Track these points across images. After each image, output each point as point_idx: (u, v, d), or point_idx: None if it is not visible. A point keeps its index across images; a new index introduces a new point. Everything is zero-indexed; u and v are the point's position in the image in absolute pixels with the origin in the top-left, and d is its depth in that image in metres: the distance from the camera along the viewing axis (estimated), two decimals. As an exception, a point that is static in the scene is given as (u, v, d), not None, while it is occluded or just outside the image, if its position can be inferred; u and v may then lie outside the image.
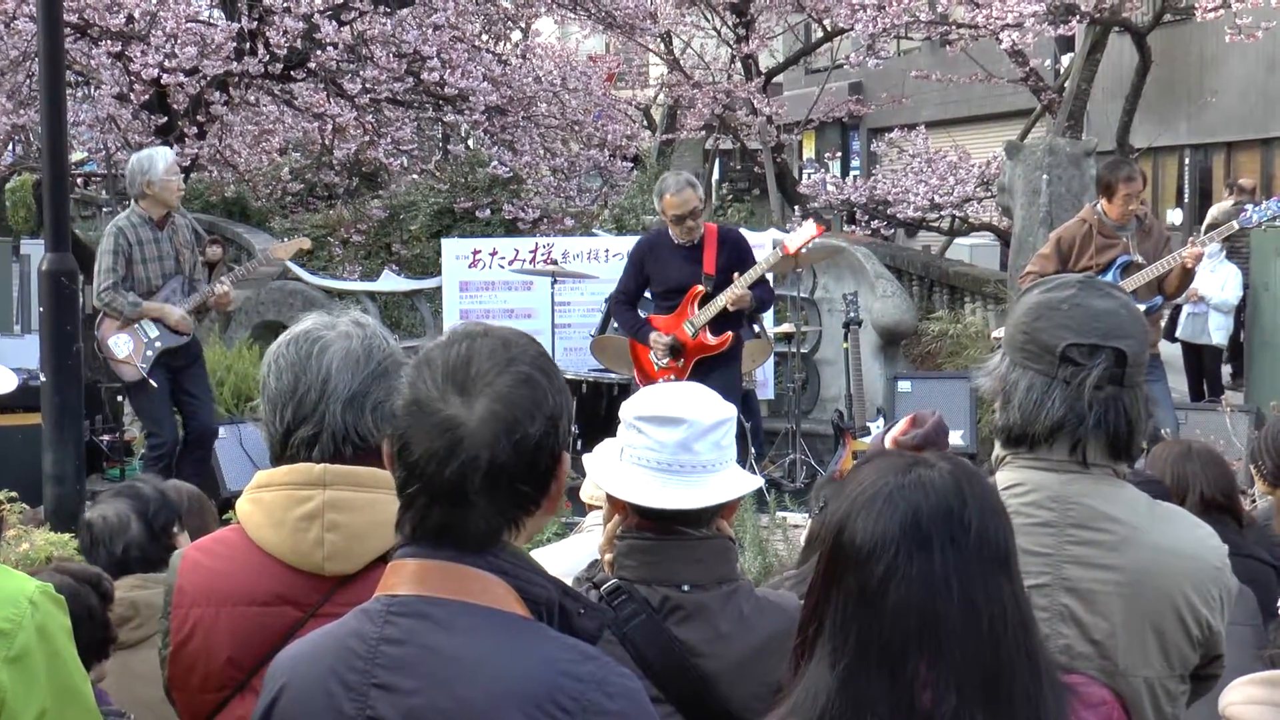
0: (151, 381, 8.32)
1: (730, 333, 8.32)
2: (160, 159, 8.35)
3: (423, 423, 1.96)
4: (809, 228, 8.70)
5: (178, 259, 8.45)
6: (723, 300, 8.10)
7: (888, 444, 3.92)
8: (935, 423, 3.95)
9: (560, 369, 2.09)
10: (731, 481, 2.71)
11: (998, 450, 2.67)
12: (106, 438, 10.02)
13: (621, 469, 2.69)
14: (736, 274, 8.20)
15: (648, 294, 8.59)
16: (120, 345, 8.34)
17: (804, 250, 8.96)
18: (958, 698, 1.92)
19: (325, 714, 1.98)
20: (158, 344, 8.35)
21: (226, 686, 2.51)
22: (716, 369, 8.13)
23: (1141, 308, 2.66)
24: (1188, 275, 8.17)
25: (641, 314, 8.52)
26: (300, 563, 2.49)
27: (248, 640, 2.49)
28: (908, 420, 4.02)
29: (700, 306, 8.20)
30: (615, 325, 9.93)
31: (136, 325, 8.33)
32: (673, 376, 8.17)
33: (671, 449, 2.66)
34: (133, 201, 8.45)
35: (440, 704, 1.91)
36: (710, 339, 8.26)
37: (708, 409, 2.71)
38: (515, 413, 1.94)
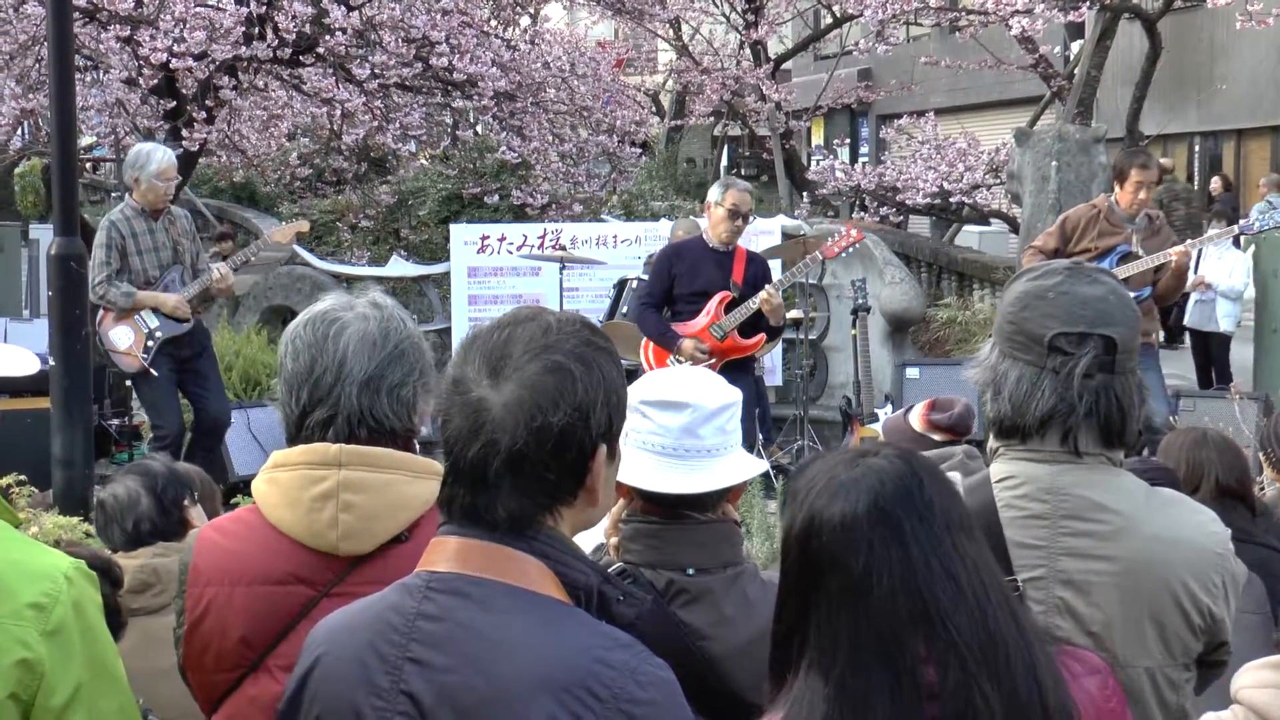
0: (152, 371, 8.29)
1: (762, 334, 8.40)
2: (155, 160, 8.22)
3: (457, 402, 1.97)
4: (849, 232, 8.77)
5: (175, 249, 8.40)
6: (756, 303, 8.14)
7: (917, 425, 3.94)
8: (965, 406, 3.97)
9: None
10: (736, 466, 2.71)
11: (991, 442, 2.64)
12: (115, 422, 10.04)
13: (626, 453, 2.69)
14: (769, 282, 8.32)
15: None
16: (121, 337, 8.30)
17: (843, 255, 9.04)
18: (962, 672, 1.93)
19: (359, 685, 1.98)
20: (159, 334, 8.31)
21: (240, 666, 2.51)
22: (740, 374, 8.17)
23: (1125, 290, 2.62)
24: (1179, 278, 8.14)
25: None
26: (315, 542, 2.49)
27: (261, 619, 2.49)
28: (927, 404, 4.03)
29: (727, 312, 8.25)
30: (624, 310, 9.93)
31: (136, 316, 8.28)
32: None
33: (676, 433, 2.66)
34: (127, 192, 8.42)
35: (472, 683, 1.91)
36: (742, 340, 8.33)
37: (712, 393, 2.70)
38: (538, 399, 1.93)
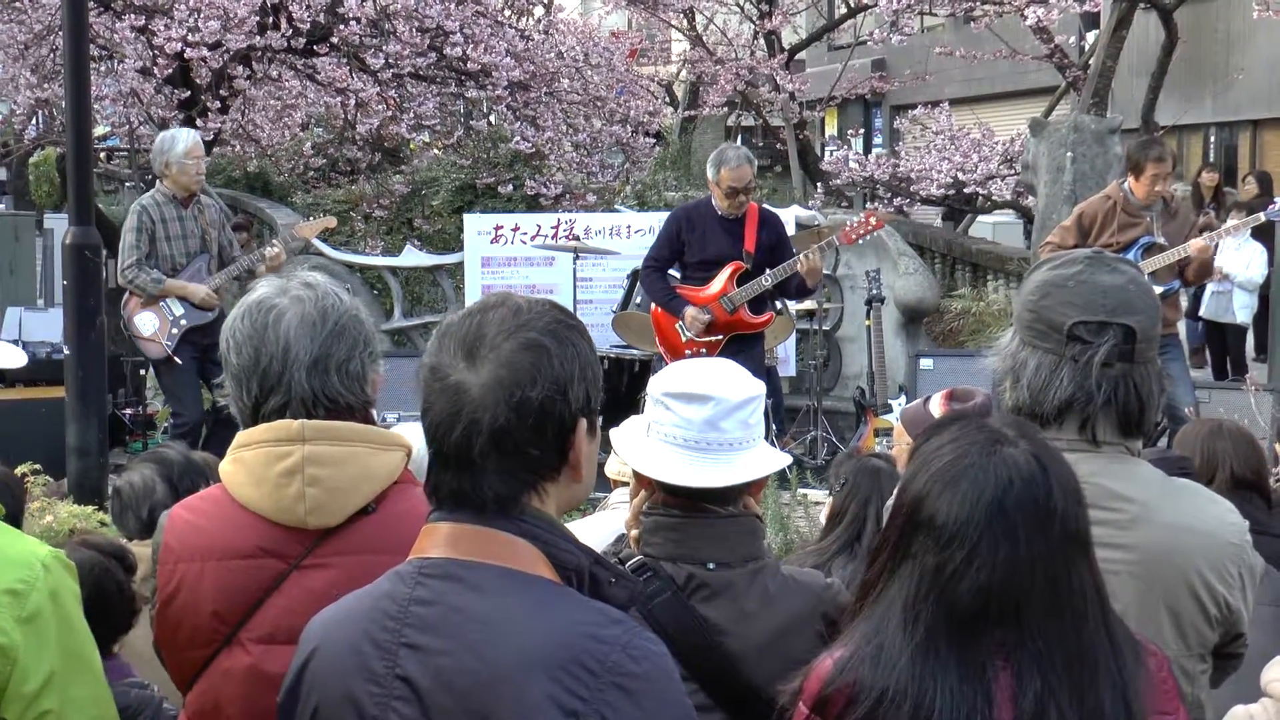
0: (176, 359, 8.33)
1: (771, 313, 8.37)
2: (181, 141, 8.34)
3: (437, 388, 2.00)
4: (868, 219, 8.74)
5: (203, 238, 8.47)
6: (768, 282, 8.11)
7: (938, 414, 3.91)
8: (986, 395, 3.95)
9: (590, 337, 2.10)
10: (759, 459, 2.70)
11: None
12: (129, 411, 10.07)
13: (649, 446, 2.69)
14: (785, 244, 8.33)
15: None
16: (146, 323, 8.35)
17: (861, 242, 9.04)
18: (1042, 683, 1.93)
19: (355, 672, 2.00)
20: (183, 322, 8.36)
21: (213, 641, 2.53)
22: (745, 348, 8.14)
23: (1158, 290, 2.63)
24: (1204, 267, 8.11)
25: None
26: (282, 517, 2.52)
27: (232, 593, 2.52)
28: (946, 393, 4.01)
29: (739, 284, 8.20)
30: (639, 300, 9.91)
31: (162, 303, 8.33)
32: (703, 351, 8.16)
33: (699, 426, 2.65)
34: (157, 180, 8.47)
35: (467, 664, 1.93)
36: (751, 316, 8.28)
37: (736, 386, 2.69)
38: (516, 376, 1.96)
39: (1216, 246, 8.10)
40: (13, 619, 2.16)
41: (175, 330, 8.34)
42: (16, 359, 2.55)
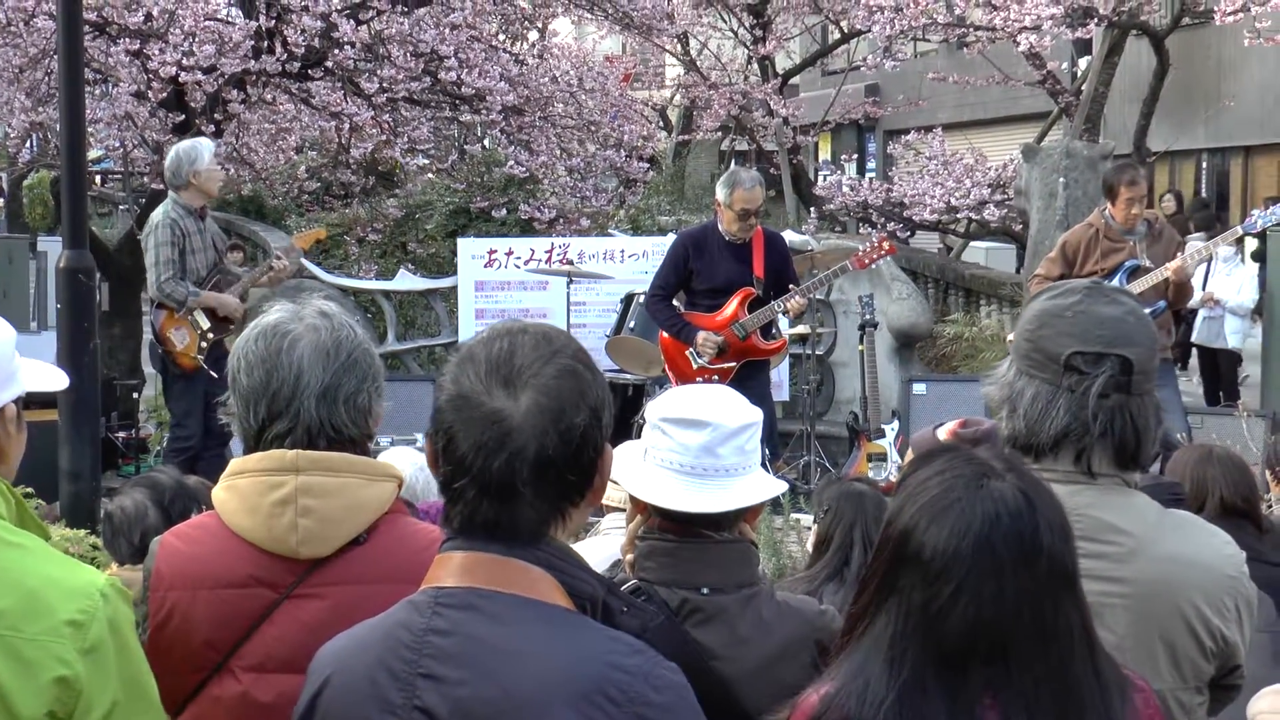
0: (212, 373, 8.29)
1: (784, 339, 8.37)
2: (206, 150, 8.42)
3: (469, 416, 1.97)
4: (881, 245, 8.75)
5: (216, 249, 8.53)
6: (780, 308, 8.12)
7: (944, 438, 3.93)
8: (993, 425, 3.97)
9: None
10: (755, 486, 2.71)
11: None
12: (122, 434, 10.06)
13: (645, 470, 2.69)
14: (790, 264, 8.36)
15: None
16: (177, 337, 8.37)
17: (875, 265, 9.08)
18: None
19: (371, 703, 1.99)
20: (210, 335, 8.39)
21: (204, 668, 2.54)
22: (755, 374, 8.16)
23: (1144, 310, 2.62)
24: (1181, 289, 8.14)
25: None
26: (275, 547, 2.52)
27: (224, 622, 2.52)
28: (957, 423, 4.02)
29: (749, 309, 8.20)
30: (632, 325, 9.91)
31: (190, 318, 8.34)
32: (715, 378, 8.15)
33: (695, 452, 2.66)
34: (172, 192, 8.43)
35: (487, 695, 1.92)
36: (764, 343, 8.28)
37: (733, 413, 2.70)
38: (561, 403, 1.96)
39: (1210, 268, 8.13)
40: (76, 651, 2.16)
41: (204, 344, 8.36)
42: (59, 381, 2.56)
